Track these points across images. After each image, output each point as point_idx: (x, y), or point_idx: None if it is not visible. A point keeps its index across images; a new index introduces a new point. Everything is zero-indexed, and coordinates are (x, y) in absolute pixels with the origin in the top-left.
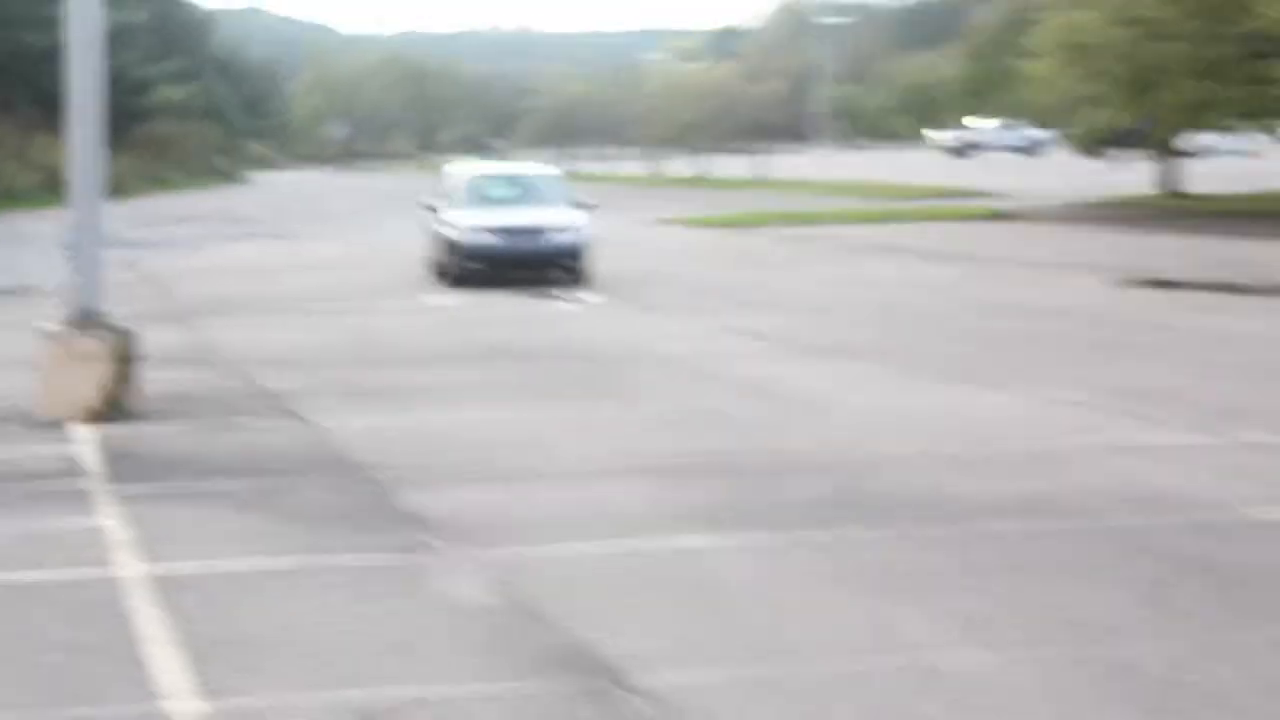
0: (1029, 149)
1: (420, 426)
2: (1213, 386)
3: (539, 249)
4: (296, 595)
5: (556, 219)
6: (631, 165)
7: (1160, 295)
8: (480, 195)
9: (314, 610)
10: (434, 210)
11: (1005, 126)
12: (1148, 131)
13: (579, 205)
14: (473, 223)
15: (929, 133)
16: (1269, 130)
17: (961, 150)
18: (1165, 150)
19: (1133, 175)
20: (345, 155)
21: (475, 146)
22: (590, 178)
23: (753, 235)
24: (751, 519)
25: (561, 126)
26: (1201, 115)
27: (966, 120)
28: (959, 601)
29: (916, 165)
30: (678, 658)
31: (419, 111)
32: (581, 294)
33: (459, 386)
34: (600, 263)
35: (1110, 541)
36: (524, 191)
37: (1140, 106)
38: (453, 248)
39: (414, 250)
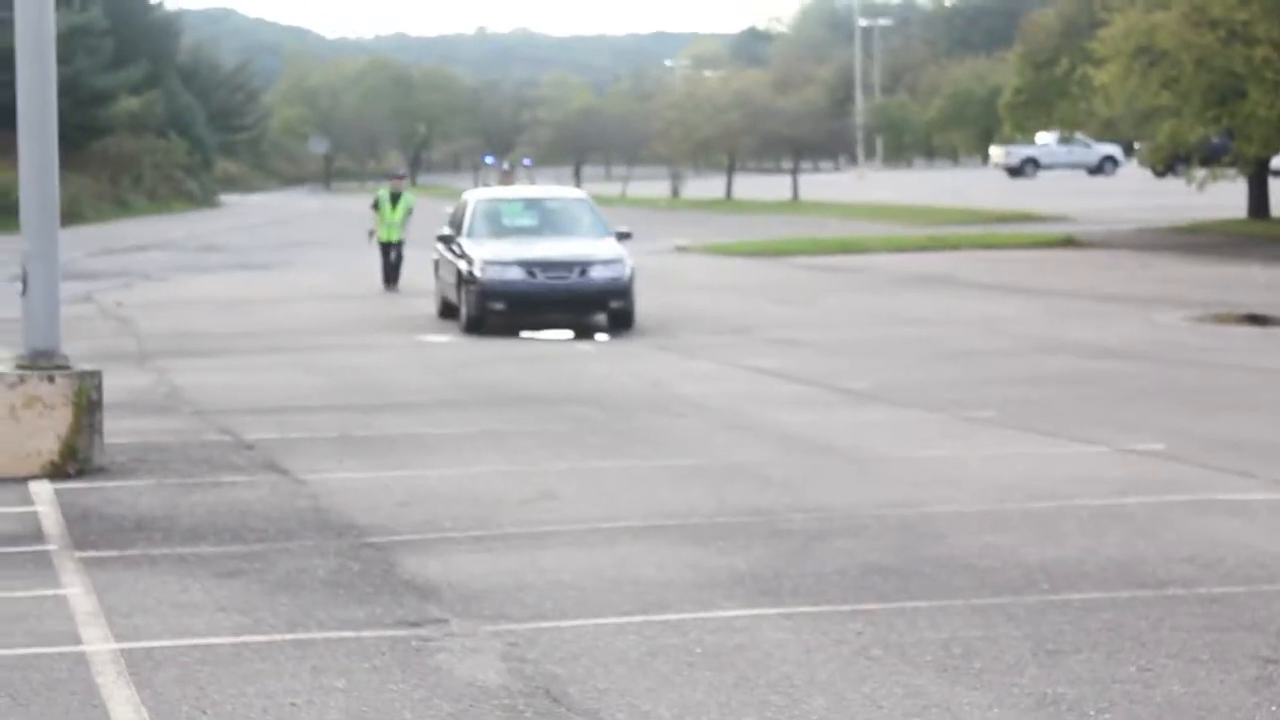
0: (1096, 166)
1: (419, 481)
2: None
3: (577, 287)
4: (285, 674)
5: (596, 251)
6: (646, 185)
7: (1253, 332)
8: (502, 223)
9: (305, 691)
10: (447, 242)
11: (1065, 141)
12: (1229, 147)
13: (618, 235)
14: (495, 255)
15: (993, 149)
16: None
17: (1020, 168)
18: (1251, 168)
19: (1215, 196)
20: (327, 174)
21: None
22: (599, 200)
23: (784, 265)
24: (796, 588)
25: (568, 141)
26: None
27: (1025, 134)
28: (1036, 683)
29: (970, 185)
30: None
31: (405, 124)
32: (597, 331)
33: (461, 435)
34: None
35: (1207, 615)
36: (553, 219)
37: (1220, 119)
38: (469, 285)
39: (413, 281)
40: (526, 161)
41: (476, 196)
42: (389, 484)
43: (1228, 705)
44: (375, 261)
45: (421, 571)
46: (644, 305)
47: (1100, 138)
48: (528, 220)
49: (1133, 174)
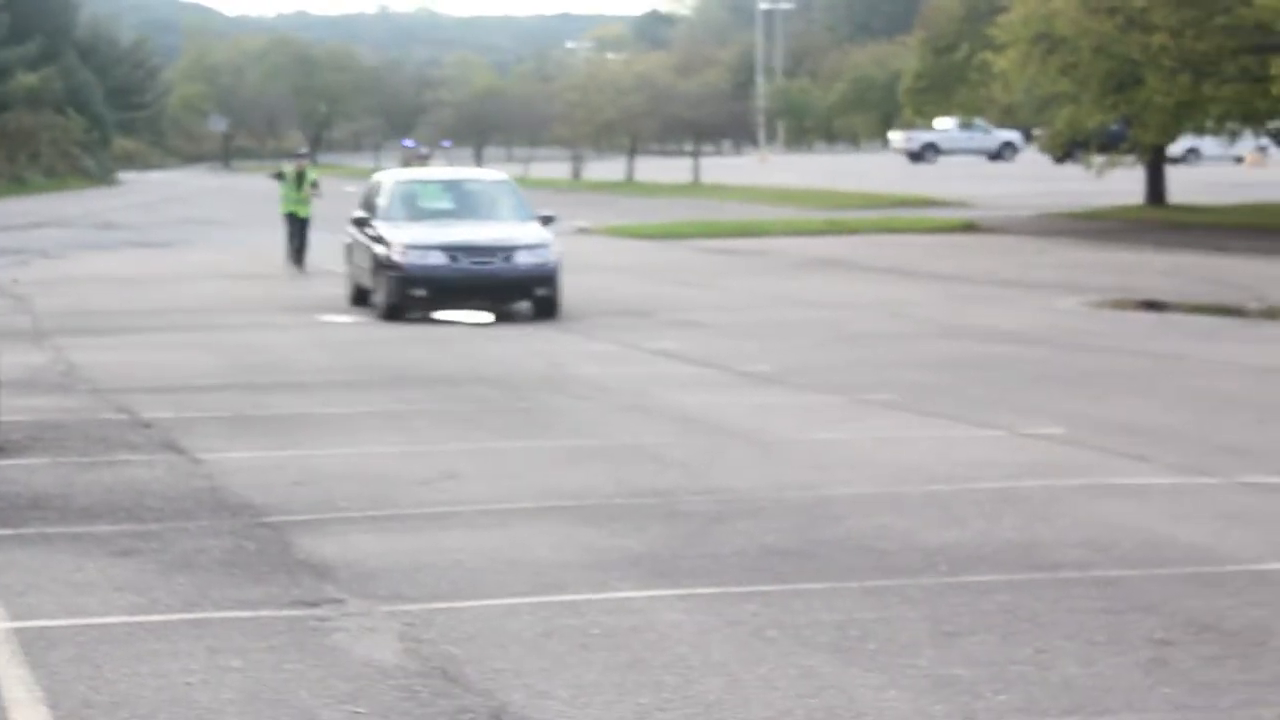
0: (995, 152)
1: (316, 461)
2: (1209, 421)
3: (502, 273)
4: (180, 654)
5: (521, 235)
6: (548, 167)
7: (1148, 319)
8: (420, 206)
9: (201, 670)
10: (361, 224)
11: (965, 126)
12: (1126, 134)
13: (542, 219)
14: (415, 239)
15: (893, 134)
16: (1263, 133)
17: (920, 153)
18: (1148, 155)
19: (1113, 183)
20: (226, 152)
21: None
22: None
23: (685, 247)
24: (692, 570)
25: (470, 123)
26: (1187, 116)
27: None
28: (932, 664)
29: (870, 170)
30: None
31: (306, 102)
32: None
33: (359, 415)
34: None
35: (1102, 597)
36: (474, 202)
37: (1118, 105)
38: (388, 271)
39: (316, 261)
40: (446, 143)
41: (393, 177)
42: (286, 464)
43: (1123, 686)
44: (277, 240)
45: (318, 551)
46: None
47: (1000, 124)
48: (448, 203)
49: (1032, 160)
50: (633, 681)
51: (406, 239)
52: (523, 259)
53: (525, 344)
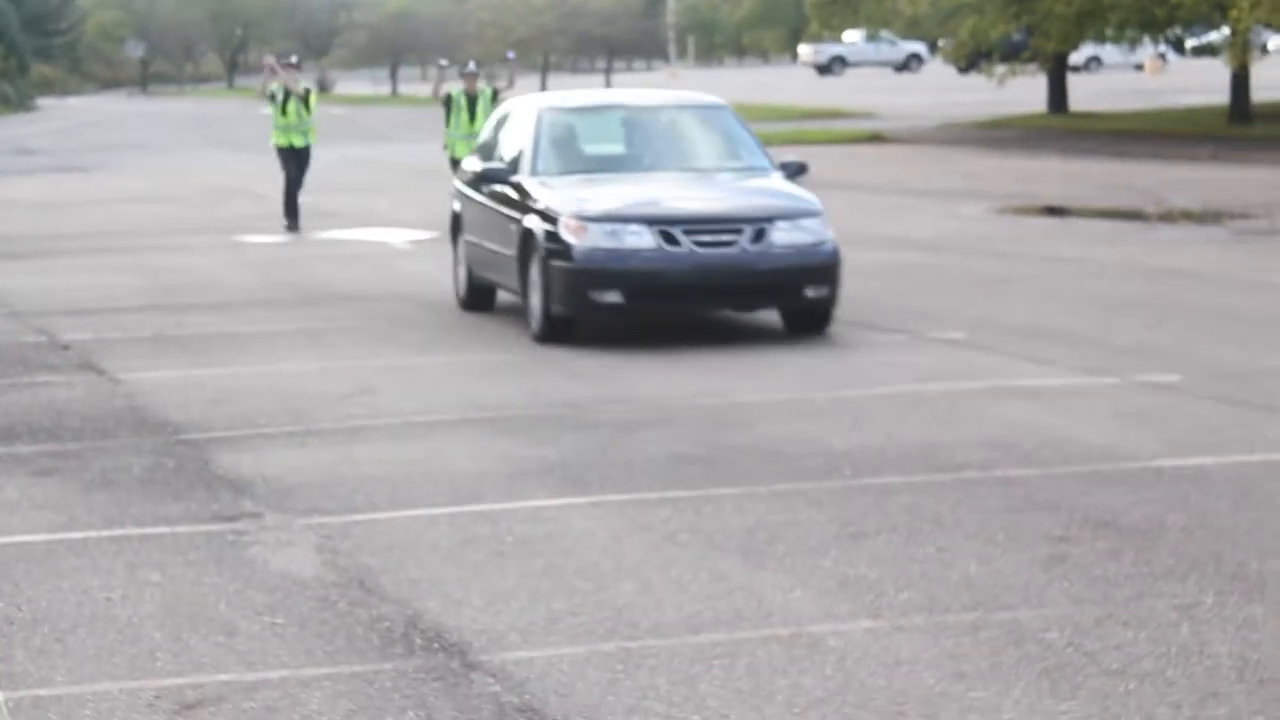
0: (902, 64)
1: (235, 379)
2: (1108, 323)
3: (753, 263)
4: (101, 570)
5: (773, 197)
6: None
7: (1050, 224)
8: (594, 153)
9: (121, 586)
10: (488, 181)
11: (872, 39)
12: (1028, 44)
13: (784, 169)
14: (599, 206)
15: (802, 48)
16: (1162, 41)
17: (828, 66)
18: (1050, 64)
19: (1015, 92)
20: (144, 77)
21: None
22: (413, 101)
23: None
24: (605, 478)
25: (384, 44)
26: (1088, 24)
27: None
28: (837, 565)
29: (780, 83)
30: (530, 632)
31: (223, 26)
32: (414, 231)
33: (278, 333)
34: (427, 194)
35: (1003, 496)
36: (678, 144)
37: (1020, 15)
38: (553, 261)
39: (229, 183)
40: (510, 54)
41: (540, 106)
42: (205, 382)
43: (1021, 582)
44: (195, 164)
45: (236, 467)
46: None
47: (906, 36)
48: (637, 147)
49: (937, 71)
50: (546, 587)
51: (584, 207)
52: (782, 238)
53: (440, 261)
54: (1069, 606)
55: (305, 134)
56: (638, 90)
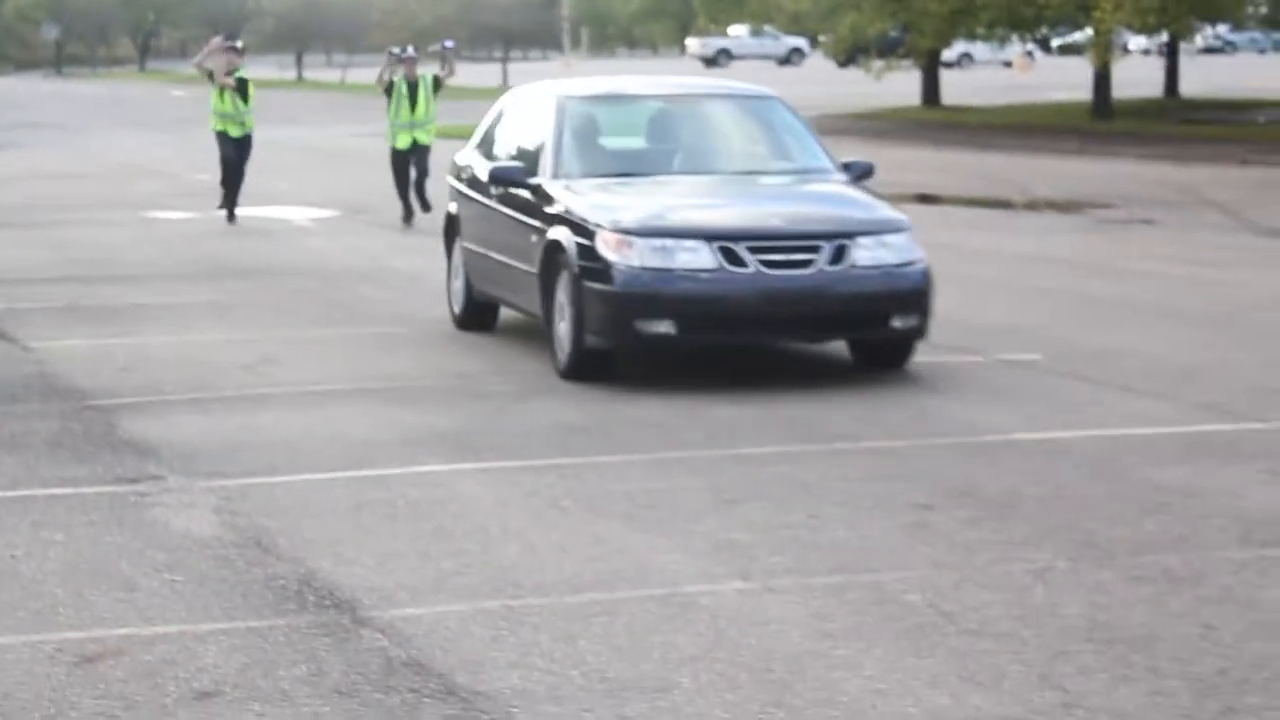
0: (784, 57)
1: (141, 348)
2: (973, 305)
3: (831, 287)
4: (5, 529)
5: (850, 207)
6: (366, 73)
7: (922, 210)
8: (630, 151)
9: (25, 544)
10: (498, 184)
11: (756, 33)
12: (904, 40)
13: (848, 170)
14: (644, 217)
15: (690, 41)
16: (1030, 40)
17: (715, 58)
18: (924, 59)
19: (891, 86)
20: (59, 59)
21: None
22: (318, 86)
23: None
24: (493, 445)
25: (290, 31)
26: (960, 22)
27: (720, 27)
28: (711, 529)
29: (668, 74)
30: (418, 590)
31: (135, 11)
32: (316, 210)
33: (183, 306)
34: (328, 175)
35: (871, 466)
36: (727, 143)
37: (897, 13)
38: (589, 283)
39: (141, 162)
40: (448, 43)
41: (561, 94)
42: (112, 351)
43: (886, 547)
44: (108, 144)
45: (141, 432)
46: (361, 184)
47: (788, 30)
48: (675, 145)
49: (818, 65)
50: (435, 549)
51: (626, 217)
52: (865, 257)
53: (342, 239)
54: (930, 570)
55: (242, 124)
56: (671, 78)
